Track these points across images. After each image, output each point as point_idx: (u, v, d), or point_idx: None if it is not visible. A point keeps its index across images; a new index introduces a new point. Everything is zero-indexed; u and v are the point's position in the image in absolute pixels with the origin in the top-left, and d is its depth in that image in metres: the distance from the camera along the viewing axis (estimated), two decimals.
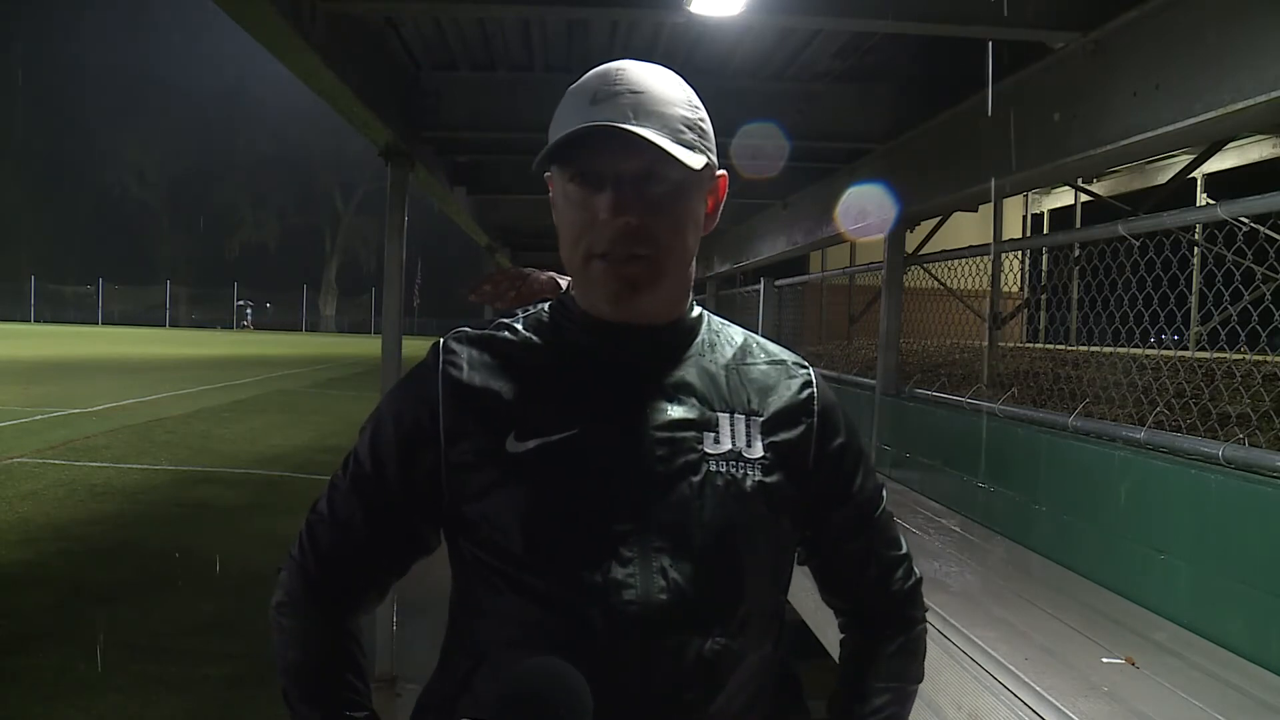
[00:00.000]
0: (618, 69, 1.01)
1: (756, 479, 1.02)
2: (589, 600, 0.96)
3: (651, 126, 0.96)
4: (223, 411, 13.23)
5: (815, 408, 1.10)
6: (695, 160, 0.99)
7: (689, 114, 1.01)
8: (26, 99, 52.20)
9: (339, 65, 3.33)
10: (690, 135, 1.00)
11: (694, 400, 1.04)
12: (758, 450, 1.04)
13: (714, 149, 1.04)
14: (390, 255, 4.43)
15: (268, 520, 6.81)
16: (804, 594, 3.32)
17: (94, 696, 3.85)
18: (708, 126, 1.04)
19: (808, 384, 1.11)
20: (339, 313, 56.28)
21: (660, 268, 1.00)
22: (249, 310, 51.01)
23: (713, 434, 1.03)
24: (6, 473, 8.11)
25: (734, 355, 1.10)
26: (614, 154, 0.96)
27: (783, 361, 1.12)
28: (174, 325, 49.47)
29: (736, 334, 1.13)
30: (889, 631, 1.19)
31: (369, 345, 33.08)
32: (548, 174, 1.05)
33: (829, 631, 3.24)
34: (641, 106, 0.97)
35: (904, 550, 1.20)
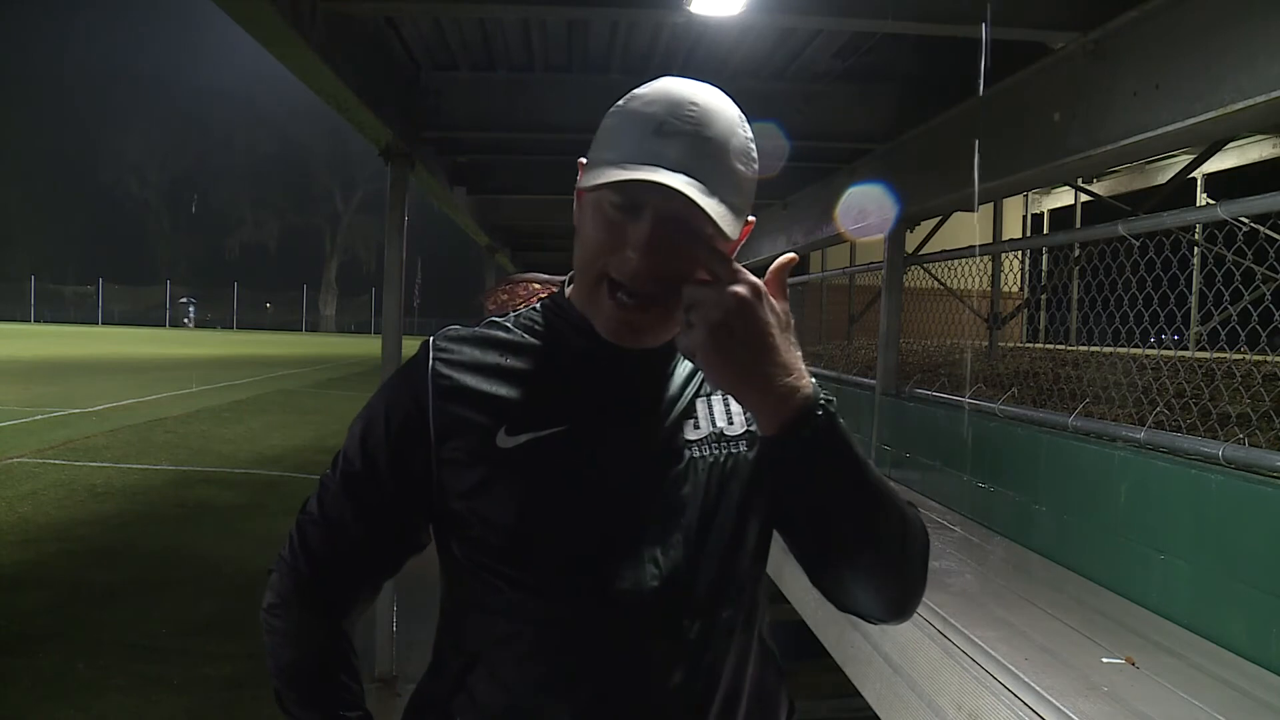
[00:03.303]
0: (690, 102, 0.97)
1: (741, 451, 1.04)
2: (580, 593, 0.97)
3: (709, 182, 0.93)
4: (223, 411, 13.23)
5: None
6: (735, 229, 0.96)
7: (745, 170, 0.98)
8: (27, 99, 52.22)
9: (339, 65, 3.33)
10: (739, 199, 0.97)
11: (676, 391, 1.05)
12: (739, 426, 1.06)
13: (753, 197, 1.01)
14: (390, 255, 4.43)
15: (267, 521, 6.82)
16: (804, 593, 3.33)
17: (94, 696, 3.85)
18: (754, 172, 1.00)
19: None
20: (339, 313, 56.31)
21: (668, 314, 0.98)
22: (191, 308, 50.89)
23: (691, 419, 1.04)
24: (6, 473, 8.11)
25: None
26: (663, 192, 0.93)
27: None
28: (174, 325, 49.48)
29: None
30: None
31: (369, 345, 33.10)
32: (582, 160, 1.02)
33: (829, 631, 3.24)
34: (706, 154, 0.94)
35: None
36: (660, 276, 0.95)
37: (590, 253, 0.99)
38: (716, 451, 1.03)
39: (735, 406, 1.06)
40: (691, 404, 1.05)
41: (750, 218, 1.03)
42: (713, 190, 0.93)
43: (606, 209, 0.97)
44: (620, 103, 1.01)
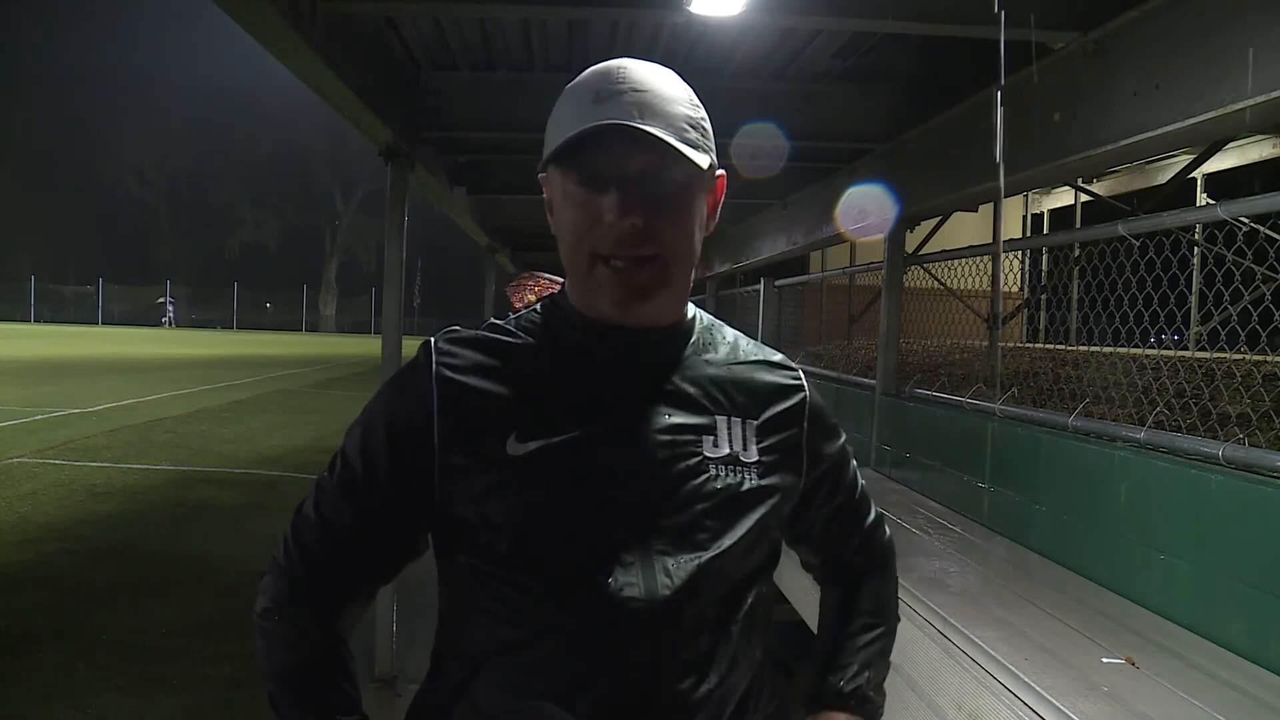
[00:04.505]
0: (619, 67, 0.99)
1: (754, 482, 1.03)
2: (591, 600, 0.96)
3: (657, 125, 0.95)
4: (223, 411, 13.22)
5: (806, 410, 1.12)
6: (701, 158, 0.98)
7: (691, 113, 1.00)
8: (26, 99, 52.20)
9: (339, 65, 3.33)
10: (694, 134, 0.99)
11: (693, 403, 1.04)
12: (753, 454, 1.05)
13: (714, 148, 1.04)
14: (390, 255, 4.43)
15: (267, 521, 6.82)
16: (803, 593, 3.33)
17: (93, 696, 3.85)
18: (708, 125, 1.03)
19: (799, 388, 1.13)
20: (339, 313, 56.23)
21: (668, 270, 1.00)
22: (170, 307, 50.41)
23: (711, 437, 1.03)
24: (6, 473, 8.11)
25: (726, 355, 1.10)
26: (619, 153, 0.95)
27: (773, 363, 1.14)
28: (174, 325, 49.43)
29: (728, 333, 1.14)
30: (867, 578, 1.27)
31: (369, 345, 33.08)
32: (543, 175, 1.04)
33: None
34: (647, 105, 0.96)
35: (877, 513, 1.28)
36: (642, 236, 0.96)
37: (572, 239, 1.00)
38: (733, 474, 1.02)
39: (751, 434, 1.06)
40: (714, 420, 1.04)
41: (720, 171, 1.05)
42: (662, 128, 0.96)
43: (572, 191, 0.98)
44: (556, 104, 1.03)
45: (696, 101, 1.02)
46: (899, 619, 1.29)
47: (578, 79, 1.02)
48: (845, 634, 1.22)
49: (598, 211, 0.96)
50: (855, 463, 1.24)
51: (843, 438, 1.20)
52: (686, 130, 0.98)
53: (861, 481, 1.25)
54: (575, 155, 0.97)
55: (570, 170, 0.98)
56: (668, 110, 0.97)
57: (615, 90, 0.97)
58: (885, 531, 1.29)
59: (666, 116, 0.97)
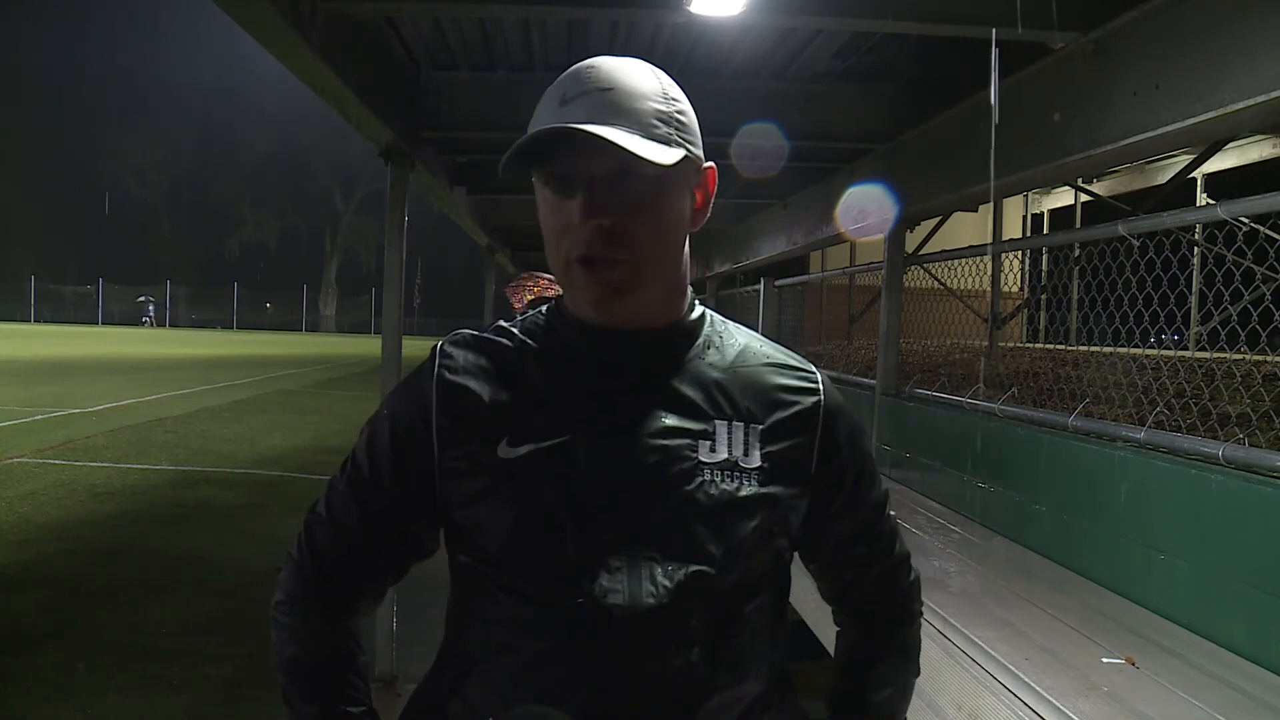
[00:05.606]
0: (588, 67, 0.98)
1: (753, 489, 1.00)
2: (575, 607, 0.95)
3: (620, 124, 0.93)
4: (223, 411, 13.22)
5: (820, 416, 1.06)
6: (667, 155, 0.94)
7: (663, 106, 0.97)
8: (27, 99, 52.22)
9: (339, 65, 3.33)
10: (664, 129, 0.96)
11: (690, 407, 1.01)
12: (755, 460, 1.01)
13: (696, 141, 1.00)
14: (390, 255, 4.43)
15: (268, 521, 6.80)
16: (804, 594, 3.33)
17: (94, 696, 3.85)
18: (687, 118, 0.99)
19: (813, 391, 1.07)
20: (339, 313, 56.26)
21: (640, 269, 0.97)
22: (150, 306, 49.73)
23: (709, 442, 1.00)
24: (6, 473, 8.11)
25: (735, 358, 1.06)
26: (583, 155, 0.93)
27: (787, 366, 1.08)
28: (173, 325, 49.40)
29: (740, 335, 1.10)
30: (889, 627, 1.20)
31: (369, 345, 33.08)
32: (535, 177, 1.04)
33: (829, 631, 3.24)
34: (610, 104, 0.94)
35: (904, 550, 1.20)
36: (611, 237, 0.95)
37: (551, 243, 0.99)
38: (729, 480, 0.99)
39: (754, 439, 1.02)
40: (712, 425, 1.01)
41: (708, 163, 1.03)
42: (626, 126, 0.93)
43: (546, 196, 0.98)
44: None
45: (673, 94, 0.99)
46: (919, 673, 1.22)
47: (555, 81, 1.01)
48: (858, 687, 1.17)
49: (569, 214, 0.95)
50: (886, 491, 1.17)
51: (867, 450, 1.13)
52: (655, 126, 0.95)
53: (892, 514, 1.18)
54: (543, 160, 0.96)
55: (541, 174, 0.98)
56: (633, 107, 0.95)
57: (580, 91, 0.95)
58: (912, 574, 1.21)
59: (631, 114, 0.94)
